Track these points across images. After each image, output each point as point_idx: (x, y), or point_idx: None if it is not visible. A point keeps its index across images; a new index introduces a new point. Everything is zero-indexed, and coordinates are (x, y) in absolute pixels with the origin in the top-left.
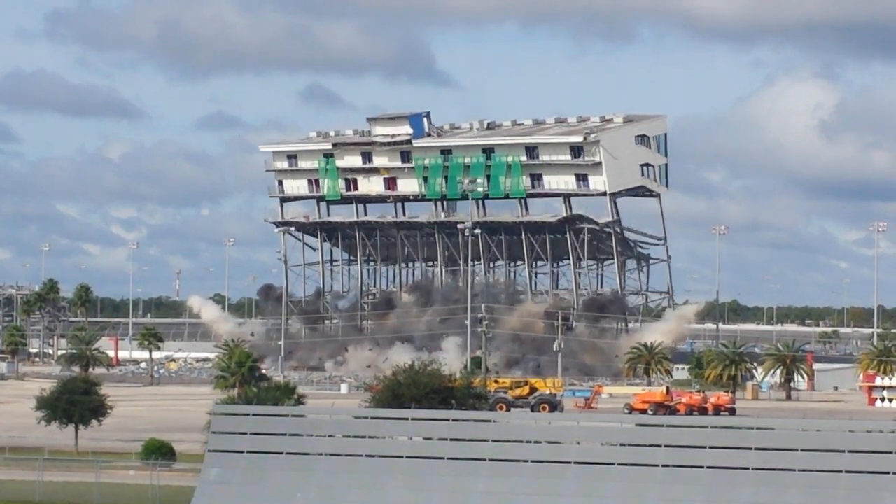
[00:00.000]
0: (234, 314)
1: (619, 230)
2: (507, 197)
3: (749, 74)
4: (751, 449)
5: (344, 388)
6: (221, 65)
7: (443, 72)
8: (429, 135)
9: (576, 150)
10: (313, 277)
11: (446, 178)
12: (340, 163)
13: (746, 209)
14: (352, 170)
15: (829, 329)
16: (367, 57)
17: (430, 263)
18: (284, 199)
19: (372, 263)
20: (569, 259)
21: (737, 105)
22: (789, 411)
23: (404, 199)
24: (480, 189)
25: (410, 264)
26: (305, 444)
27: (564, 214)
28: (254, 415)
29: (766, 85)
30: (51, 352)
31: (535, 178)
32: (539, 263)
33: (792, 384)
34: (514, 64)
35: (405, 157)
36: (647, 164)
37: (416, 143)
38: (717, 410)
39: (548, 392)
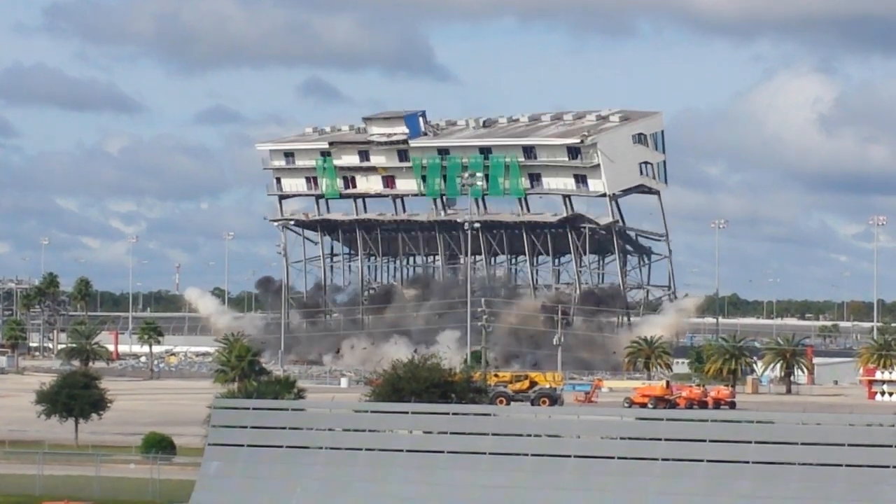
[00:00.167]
0: (233, 308)
1: (620, 229)
2: (505, 194)
3: (748, 69)
4: (750, 442)
5: (344, 382)
6: (220, 59)
7: (441, 66)
8: (425, 134)
9: (573, 151)
10: (313, 272)
11: (444, 177)
12: (338, 161)
13: (746, 203)
14: (349, 168)
15: (828, 323)
16: (366, 51)
17: (431, 259)
18: (283, 197)
19: (373, 258)
20: (570, 254)
21: (736, 99)
22: (789, 405)
23: (403, 196)
24: (479, 184)
25: (411, 259)
26: (305, 437)
27: (565, 214)
28: (254, 409)
29: (765, 79)
30: (51, 346)
31: (534, 177)
32: (541, 259)
33: (792, 378)
34: (513, 58)
35: (402, 156)
36: (646, 163)
37: (413, 143)
38: (718, 404)
39: (548, 386)
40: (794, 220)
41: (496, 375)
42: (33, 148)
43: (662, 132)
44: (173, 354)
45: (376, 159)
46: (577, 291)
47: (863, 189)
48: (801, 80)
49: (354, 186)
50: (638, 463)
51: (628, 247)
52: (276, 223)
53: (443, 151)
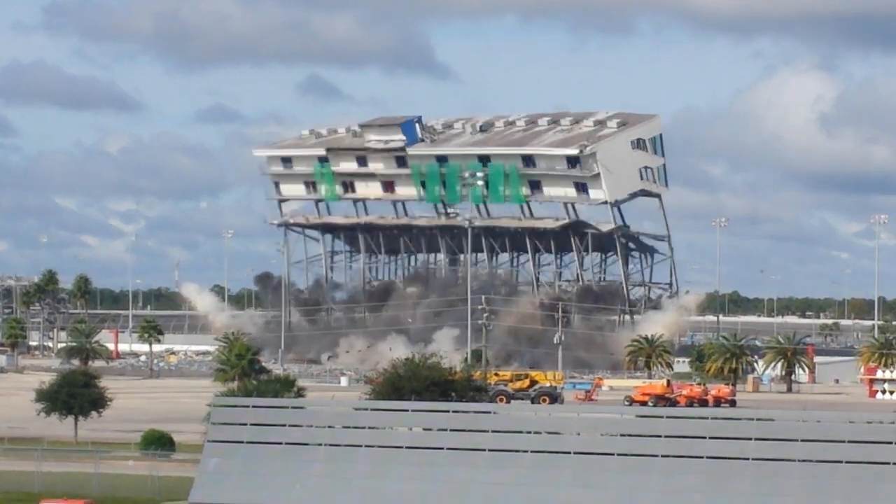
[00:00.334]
0: (233, 305)
1: (622, 234)
2: (506, 201)
3: (748, 66)
4: (751, 440)
5: (344, 381)
6: (220, 56)
7: (442, 64)
8: (422, 140)
9: (572, 160)
10: (314, 270)
11: (444, 182)
12: (336, 168)
13: (747, 202)
14: (348, 174)
15: (829, 321)
16: (366, 49)
17: (433, 256)
18: (283, 201)
19: (374, 256)
20: (573, 252)
21: (736, 97)
22: (790, 404)
23: (405, 202)
24: (479, 183)
25: (412, 258)
26: (305, 435)
27: (567, 220)
28: (253, 406)
29: (766, 77)
30: (50, 344)
31: (534, 185)
32: (543, 258)
33: (793, 377)
34: (514, 56)
35: (401, 162)
36: (646, 167)
37: (411, 150)
38: (718, 403)
39: (548, 385)
40: (795, 219)
41: (496, 374)
42: (33, 147)
43: (661, 136)
44: (173, 353)
45: (374, 166)
46: (578, 286)
47: (864, 188)
48: (802, 77)
49: (354, 191)
50: (638, 460)
51: (631, 244)
52: (276, 224)
53: (441, 159)
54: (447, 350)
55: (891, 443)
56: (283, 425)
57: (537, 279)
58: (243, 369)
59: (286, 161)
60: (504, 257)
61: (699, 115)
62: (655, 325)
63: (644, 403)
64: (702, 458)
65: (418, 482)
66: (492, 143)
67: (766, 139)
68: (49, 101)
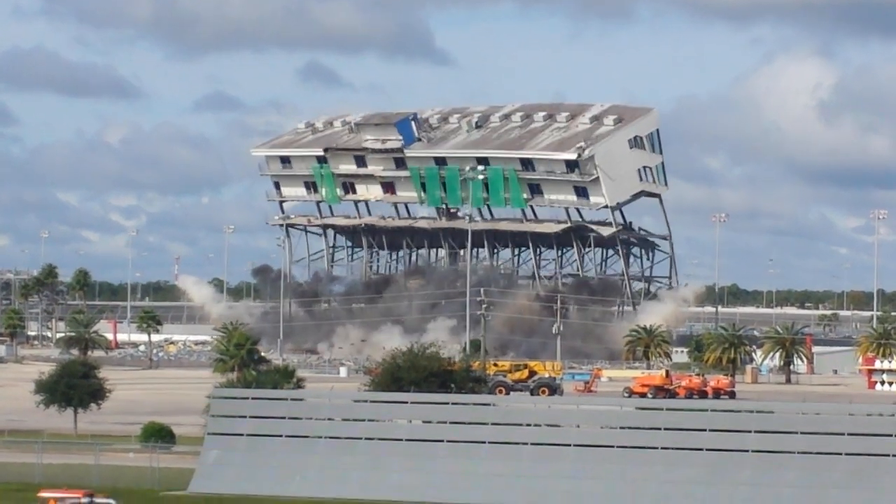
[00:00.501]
0: (231, 297)
1: (624, 235)
2: (507, 205)
3: (747, 53)
4: (750, 432)
5: (343, 372)
6: (219, 42)
7: (441, 50)
8: (419, 139)
9: (571, 164)
10: (314, 266)
11: (444, 184)
12: (335, 169)
13: (746, 196)
14: (348, 175)
15: (828, 312)
16: (365, 35)
17: (434, 251)
18: (283, 201)
19: (375, 252)
20: (573, 250)
21: (735, 84)
22: (789, 394)
23: (407, 203)
24: (480, 177)
25: (414, 253)
26: (305, 426)
27: (569, 224)
28: (253, 398)
29: (765, 63)
30: (49, 335)
31: (534, 188)
32: (544, 254)
33: (791, 367)
34: (513, 42)
35: (399, 163)
36: (645, 167)
37: (409, 151)
38: (717, 394)
39: (547, 375)
40: (794, 214)
41: (495, 365)
42: (33, 139)
43: (658, 130)
44: (172, 343)
45: (373, 167)
46: (576, 279)
47: (863, 183)
48: (801, 64)
49: (354, 192)
50: (638, 452)
51: (633, 239)
52: (279, 225)
53: (440, 161)
54: (444, 340)
55: (890, 435)
56: (283, 417)
57: (538, 273)
58: (242, 359)
59: (285, 161)
60: (506, 254)
61: (698, 103)
62: (654, 316)
63: (643, 395)
64: (702, 449)
65: (418, 474)
66: (489, 143)
67: (766, 128)
68: (49, 87)
